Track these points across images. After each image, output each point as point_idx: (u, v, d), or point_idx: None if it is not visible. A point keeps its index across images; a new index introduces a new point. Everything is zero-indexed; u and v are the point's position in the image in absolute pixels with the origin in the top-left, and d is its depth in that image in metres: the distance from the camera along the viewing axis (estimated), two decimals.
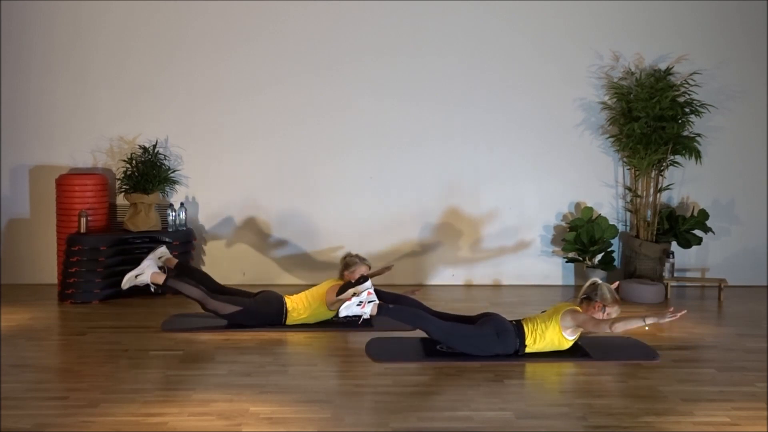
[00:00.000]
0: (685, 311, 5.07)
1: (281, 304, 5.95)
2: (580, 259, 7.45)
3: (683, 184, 7.71)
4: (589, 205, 7.64)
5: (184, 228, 7.19)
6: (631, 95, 7.36)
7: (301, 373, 4.96)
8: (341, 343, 5.69)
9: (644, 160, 7.29)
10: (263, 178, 7.51)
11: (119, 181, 7.20)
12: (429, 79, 7.51)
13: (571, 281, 7.74)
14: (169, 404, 4.39)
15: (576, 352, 5.35)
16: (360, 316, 5.36)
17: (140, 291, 6.19)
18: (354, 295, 5.41)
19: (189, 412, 4.27)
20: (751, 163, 7.71)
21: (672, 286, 7.35)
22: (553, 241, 7.73)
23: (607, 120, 7.58)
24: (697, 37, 7.56)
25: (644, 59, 7.53)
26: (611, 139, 7.57)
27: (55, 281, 7.10)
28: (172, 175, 7.28)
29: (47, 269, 7.33)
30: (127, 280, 5.88)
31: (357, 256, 6.11)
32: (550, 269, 7.74)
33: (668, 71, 7.36)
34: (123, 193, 7.15)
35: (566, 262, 7.63)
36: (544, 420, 4.27)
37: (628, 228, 7.72)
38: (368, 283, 5.49)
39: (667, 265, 7.33)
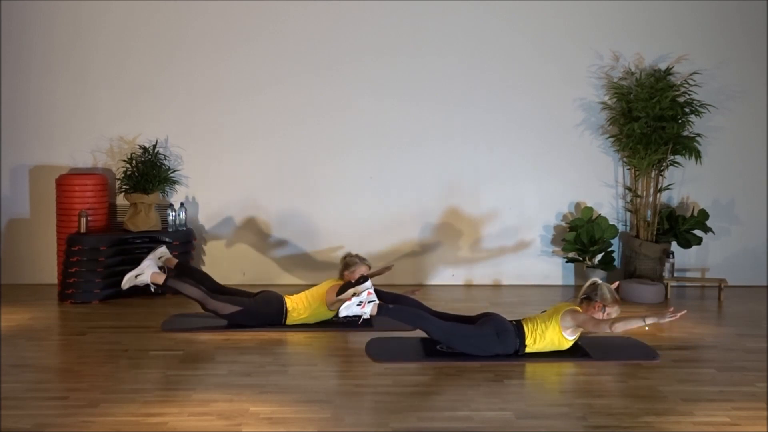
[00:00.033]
0: (685, 311, 5.07)
1: (281, 304, 5.95)
2: (580, 259, 7.45)
3: (683, 184, 7.71)
4: (589, 205, 7.64)
5: (184, 228, 7.19)
6: (631, 95, 7.36)
7: (301, 373, 4.96)
8: (341, 343, 5.69)
9: (644, 160, 7.29)
10: (263, 178, 7.51)
11: (119, 181, 7.20)
12: (429, 79, 7.51)
13: (571, 281, 7.74)
14: (169, 404, 4.39)
15: (576, 352, 5.35)
16: (360, 316, 5.36)
17: (140, 291, 6.20)
18: (354, 295, 5.41)
19: (189, 412, 4.27)
20: (751, 163, 7.71)
21: (672, 286, 7.35)
22: (553, 241, 7.73)
23: (607, 120, 7.58)
24: (697, 37, 7.56)
25: (644, 59, 7.54)
26: (611, 139, 7.57)
27: (55, 281, 7.10)
28: (172, 175, 7.28)
29: (47, 269, 7.33)
30: (127, 281, 5.89)
31: (357, 256, 6.11)
32: (550, 269, 7.74)
33: (668, 71, 7.36)
34: (123, 193, 7.15)
35: (566, 262, 7.63)
36: (544, 420, 4.27)
37: (628, 228, 7.72)
38: (368, 283, 5.49)
39: (667, 265, 7.33)
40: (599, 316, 5.17)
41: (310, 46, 7.42)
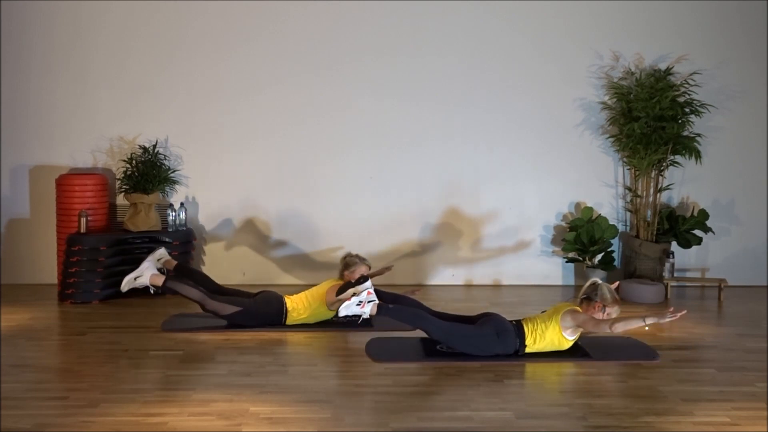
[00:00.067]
0: (685, 311, 5.07)
1: (281, 304, 5.95)
2: (580, 259, 7.45)
3: (683, 184, 7.71)
4: (589, 205, 7.64)
5: (184, 228, 7.19)
6: (631, 95, 7.36)
7: (301, 373, 4.96)
8: (341, 343, 5.69)
9: (644, 160, 7.29)
10: (263, 178, 7.51)
11: (119, 181, 7.20)
12: (429, 79, 7.51)
13: (571, 281, 7.74)
14: (169, 404, 4.39)
15: (576, 352, 5.35)
16: (360, 316, 5.36)
17: (140, 291, 6.19)
18: (354, 295, 5.41)
19: (189, 412, 4.27)
20: (751, 163, 7.71)
21: (672, 286, 7.34)
22: (553, 241, 7.73)
23: (607, 120, 7.58)
24: (697, 37, 7.56)
25: (644, 59, 7.54)
26: (611, 139, 7.57)
27: (55, 281, 7.10)
28: (172, 175, 7.28)
29: (47, 269, 7.33)
30: (126, 283, 5.89)
31: (357, 256, 6.11)
32: (550, 269, 7.74)
33: (668, 71, 7.36)
34: (123, 193, 7.15)
35: (566, 262, 7.63)
36: (544, 420, 4.27)
37: (628, 228, 7.72)
38: (368, 283, 5.49)
39: (667, 265, 7.33)
40: (599, 316, 5.17)
41: (310, 46, 7.42)
